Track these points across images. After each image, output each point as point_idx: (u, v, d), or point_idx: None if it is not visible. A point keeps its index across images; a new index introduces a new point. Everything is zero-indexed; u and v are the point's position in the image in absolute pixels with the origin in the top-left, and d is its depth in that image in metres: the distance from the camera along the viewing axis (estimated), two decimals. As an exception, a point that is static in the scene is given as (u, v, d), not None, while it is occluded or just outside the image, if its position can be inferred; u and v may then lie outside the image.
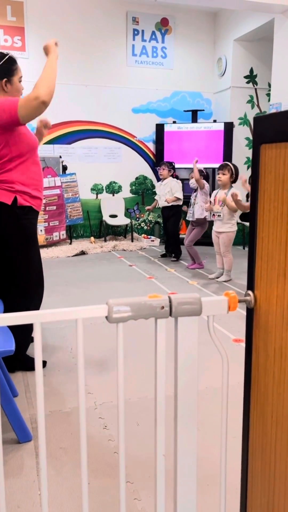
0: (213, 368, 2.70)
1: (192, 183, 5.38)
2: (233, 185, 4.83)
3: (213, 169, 7.16)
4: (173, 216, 5.88)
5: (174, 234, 5.99)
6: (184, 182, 6.17)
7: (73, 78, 7.05)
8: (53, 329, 3.42)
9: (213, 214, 4.86)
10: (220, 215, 4.77)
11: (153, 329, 1.07)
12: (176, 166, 7.05)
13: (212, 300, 1.08)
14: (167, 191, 5.79)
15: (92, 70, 7.11)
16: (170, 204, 5.77)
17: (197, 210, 5.34)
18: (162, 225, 6.31)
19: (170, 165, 5.88)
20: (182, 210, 5.95)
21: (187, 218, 5.55)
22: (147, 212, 7.71)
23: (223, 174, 4.78)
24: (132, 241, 7.22)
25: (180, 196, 5.73)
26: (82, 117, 7.19)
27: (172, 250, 6.06)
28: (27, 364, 2.71)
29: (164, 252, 6.20)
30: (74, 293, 4.45)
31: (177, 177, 6.05)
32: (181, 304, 1.06)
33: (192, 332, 1.07)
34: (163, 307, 1.05)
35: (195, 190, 5.42)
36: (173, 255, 6.06)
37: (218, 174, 4.80)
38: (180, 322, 1.05)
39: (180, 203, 5.83)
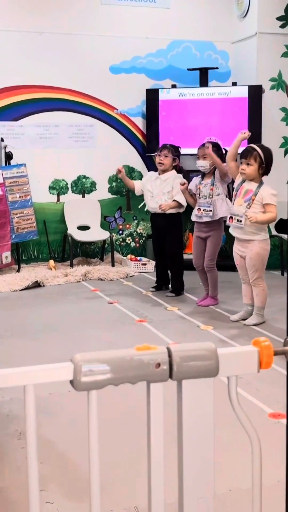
0: (238, 459, 2.68)
1: (203, 165, 5.44)
2: (264, 179, 4.89)
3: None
4: (172, 229, 5.90)
5: (176, 255, 6.01)
6: (191, 175, 6.23)
7: (20, 22, 7.11)
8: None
9: (231, 217, 4.90)
10: (241, 220, 4.81)
11: (145, 398, 1.06)
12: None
13: (235, 352, 1.10)
14: (167, 191, 5.83)
15: (49, 11, 7.20)
16: (167, 212, 5.81)
17: (220, 205, 5.40)
18: (152, 240, 6.32)
19: (176, 152, 5.92)
20: (181, 220, 5.99)
21: (196, 219, 5.57)
22: (134, 220, 7.73)
23: (248, 164, 4.83)
24: (113, 265, 7.22)
25: (183, 201, 5.77)
26: (34, 81, 7.24)
27: (171, 279, 6.06)
28: None
29: (155, 285, 6.21)
30: (24, 348, 4.42)
31: (182, 171, 6.07)
32: (187, 359, 1.08)
33: (204, 403, 1.08)
34: (159, 365, 1.07)
35: (205, 175, 5.50)
36: (170, 287, 6.06)
37: (241, 163, 4.86)
38: (185, 387, 1.10)
39: (182, 210, 5.86)
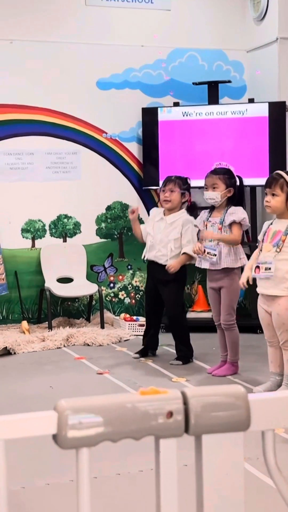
0: None
1: (212, 197, 5.49)
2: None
3: (253, 187, 7.28)
4: (172, 282, 5.92)
5: (177, 315, 6.03)
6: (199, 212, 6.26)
7: (-13, 28, 7.29)
8: None
9: (257, 267, 4.89)
10: (270, 268, 4.79)
11: (153, 456, 1.02)
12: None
13: (271, 398, 1.07)
14: (173, 238, 5.85)
15: (21, 14, 7.37)
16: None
17: (227, 253, 5.45)
18: (146, 293, 6.32)
19: (184, 184, 5.97)
20: (186, 272, 6.02)
21: (198, 265, 5.62)
22: (129, 269, 7.71)
23: (274, 195, 4.86)
24: (103, 327, 7.23)
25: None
26: (3, 99, 7.38)
27: (175, 345, 6.06)
28: None
29: (141, 348, 6.22)
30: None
31: (194, 208, 6.03)
32: (209, 408, 1.07)
33: (232, 465, 1.05)
34: (171, 414, 1.04)
35: (214, 209, 5.56)
36: (177, 355, 6.03)
37: (266, 194, 4.89)
38: (207, 445, 1.07)
39: (194, 262, 5.83)
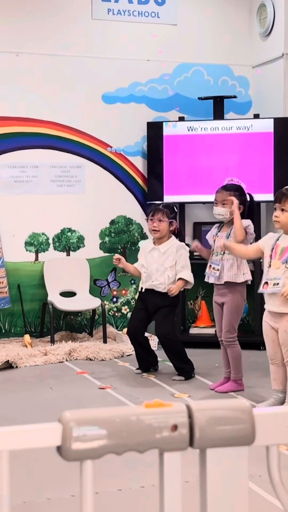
0: None
1: (221, 213, 5.52)
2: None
3: (257, 202, 7.27)
4: (166, 307, 5.97)
5: (167, 336, 6.00)
6: (203, 229, 6.28)
7: (-7, 41, 7.33)
8: None
9: (266, 283, 4.88)
10: (278, 284, 4.78)
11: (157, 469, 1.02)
12: (188, 199, 7.17)
13: (277, 413, 1.07)
14: (169, 266, 5.91)
15: (27, 26, 7.41)
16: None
17: (229, 267, 5.48)
18: (134, 313, 6.32)
19: (172, 213, 6.03)
20: (179, 298, 6.11)
21: (209, 280, 5.68)
22: (132, 284, 7.70)
23: (283, 210, 4.86)
24: (105, 341, 7.21)
25: (191, 278, 5.89)
26: (8, 111, 7.39)
27: (172, 362, 6.05)
28: None
29: (138, 367, 6.24)
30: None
31: (180, 234, 6.24)
32: (214, 422, 1.07)
33: (236, 480, 1.04)
34: (175, 427, 1.04)
35: (223, 225, 5.61)
36: (177, 372, 6.02)
37: (275, 209, 4.89)
38: (211, 459, 1.07)
39: (189, 287, 6.05)
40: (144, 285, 6.01)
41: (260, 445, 1.08)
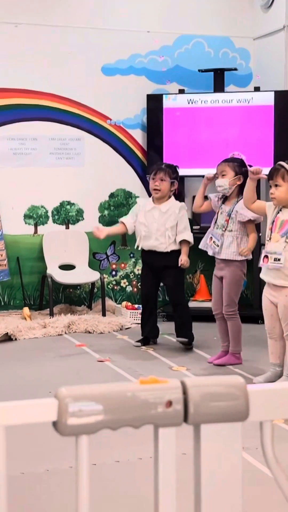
0: None
1: (220, 184, 5.49)
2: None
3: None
4: (173, 269, 5.95)
5: (181, 300, 6.06)
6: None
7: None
8: None
9: (265, 256, 4.88)
10: (279, 259, 4.78)
11: (152, 444, 1.04)
12: (188, 173, 7.15)
13: (270, 389, 1.08)
14: (170, 226, 5.90)
15: (27, -2, 7.36)
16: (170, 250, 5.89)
17: (228, 244, 5.47)
18: (142, 281, 6.33)
19: (174, 173, 6.02)
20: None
21: (204, 248, 5.68)
22: (131, 257, 7.71)
23: (277, 186, 4.85)
24: (104, 314, 7.23)
25: (192, 238, 5.90)
26: (7, 83, 7.36)
27: (180, 329, 6.06)
28: None
29: (141, 338, 6.24)
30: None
31: (181, 196, 6.21)
32: (208, 398, 1.08)
33: (230, 455, 1.06)
34: (170, 404, 1.06)
35: (227, 198, 5.57)
36: (185, 340, 6.04)
37: (270, 186, 4.89)
38: (205, 434, 1.08)
39: (191, 245, 6.02)
40: (143, 244, 5.99)
41: (254, 421, 1.09)
